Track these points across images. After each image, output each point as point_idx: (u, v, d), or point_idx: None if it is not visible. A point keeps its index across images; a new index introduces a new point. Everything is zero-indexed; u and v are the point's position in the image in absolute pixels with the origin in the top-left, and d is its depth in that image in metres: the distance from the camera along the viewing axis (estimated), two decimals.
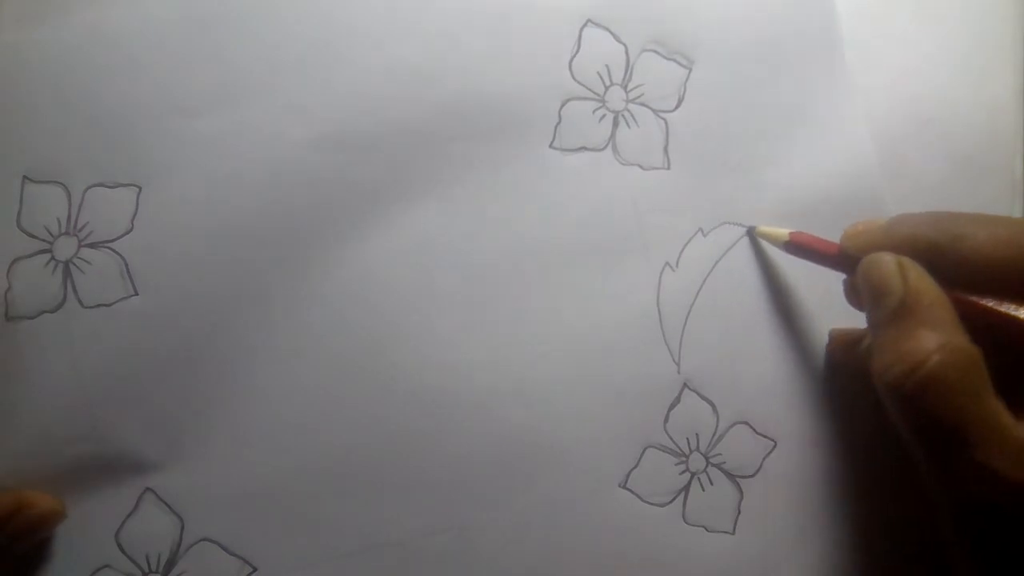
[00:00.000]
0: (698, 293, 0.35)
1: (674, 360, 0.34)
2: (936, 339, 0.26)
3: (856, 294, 0.32)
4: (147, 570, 0.32)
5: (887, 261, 0.28)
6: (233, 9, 0.34)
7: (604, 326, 0.34)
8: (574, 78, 0.35)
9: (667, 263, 0.35)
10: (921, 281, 0.28)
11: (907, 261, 0.28)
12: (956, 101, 0.38)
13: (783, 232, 0.34)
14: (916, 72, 0.38)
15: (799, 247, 0.33)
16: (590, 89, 0.35)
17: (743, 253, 0.35)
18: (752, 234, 0.35)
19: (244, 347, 0.33)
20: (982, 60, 0.38)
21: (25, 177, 0.33)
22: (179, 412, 0.32)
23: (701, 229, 0.35)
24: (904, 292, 0.27)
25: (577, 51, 0.35)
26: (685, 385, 0.34)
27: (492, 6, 0.35)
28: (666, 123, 0.35)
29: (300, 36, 0.34)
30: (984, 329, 0.27)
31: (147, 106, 0.33)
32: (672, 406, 0.34)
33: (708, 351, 0.35)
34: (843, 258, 0.32)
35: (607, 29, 0.35)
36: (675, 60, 0.36)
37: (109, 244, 0.33)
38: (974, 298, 0.28)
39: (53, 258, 0.33)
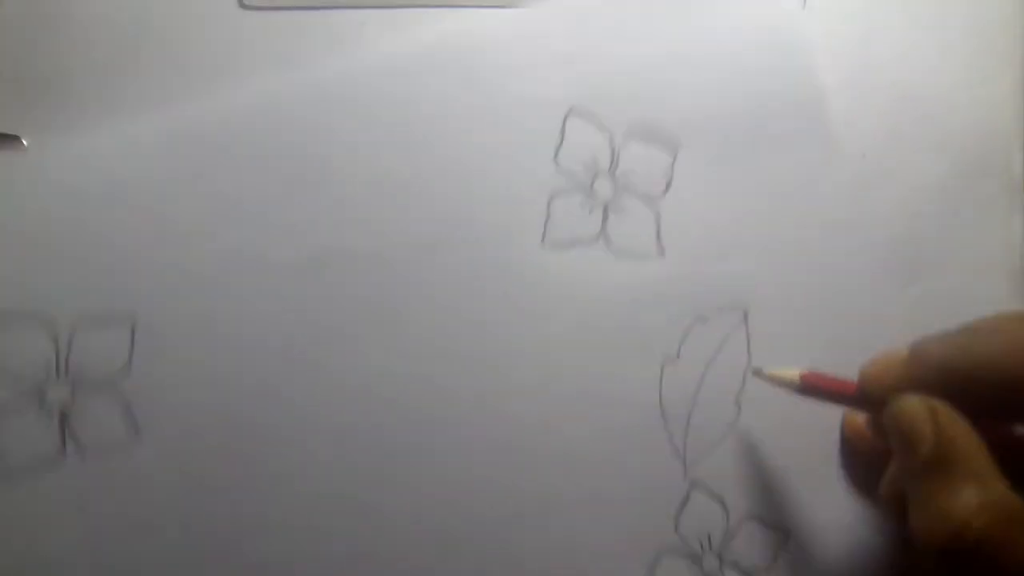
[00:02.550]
0: (700, 384, 0.34)
1: (680, 459, 0.33)
2: (976, 495, 0.25)
3: (880, 432, 0.31)
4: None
5: (916, 407, 0.27)
6: (215, 133, 0.32)
7: (606, 432, 0.33)
8: (560, 170, 0.34)
9: (667, 355, 0.34)
10: (953, 427, 0.27)
11: (937, 404, 0.27)
12: (956, 101, 0.38)
13: (793, 373, 0.32)
14: (916, 72, 0.37)
15: (813, 389, 0.32)
16: (577, 181, 0.34)
17: (744, 337, 0.35)
18: (759, 375, 0.33)
19: (249, 475, 0.31)
20: (981, 60, 0.38)
21: None
22: (188, 544, 0.31)
23: (700, 316, 0.34)
24: (936, 440, 0.26)
25: (561, 142, 0.34)
26: (693, 484, 0.33)
27: (470, 108, 0.33)
28: (657, 210, 0.34)
29: (283, 156, 0.32)
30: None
31: (134, 234, 0.31)
32: (682, 508, 0.33)
33: (714, 445, 0.34)
34: (862, 397, 0.31)
35: (590, 119, 0.34)
36: (661, 145, 0.35)
37: (107, 386, 0.31)
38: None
39: (45, 405, 0.30)
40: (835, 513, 0.34)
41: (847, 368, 0.32)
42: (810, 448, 0.34)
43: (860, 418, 0.33)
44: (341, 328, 0.32)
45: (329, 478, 0.31)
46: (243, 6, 0.34)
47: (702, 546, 0.33)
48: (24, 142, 0.32)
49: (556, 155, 0.34)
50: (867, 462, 0.33)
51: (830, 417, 0.34)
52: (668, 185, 0.34)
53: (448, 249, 0.33)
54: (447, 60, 0.33)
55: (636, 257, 0.34)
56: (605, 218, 0.34)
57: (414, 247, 0.33)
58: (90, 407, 0.31)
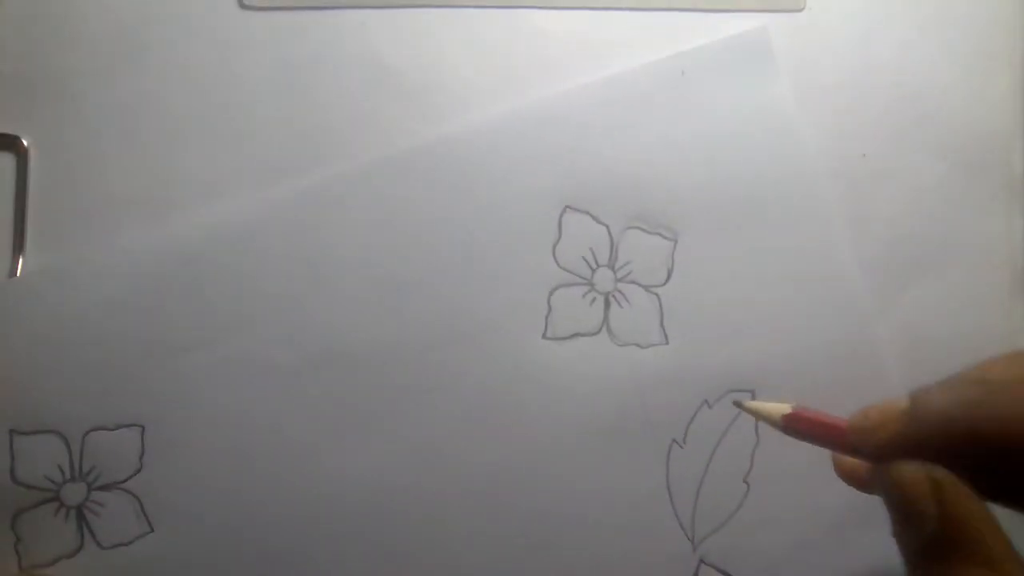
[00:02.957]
0: (708, 467, 0.35)
1: (688, 537, 0.34)
2: None
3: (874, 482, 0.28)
4: None
5: (916, 479, 0.24)
6: (208, 243, 0.34)
7: (614, 512, 0.34)
8: (559, 265, 0.34)
9: (674, 440, 0.35)
10: (961, 503, 0.23)
11: (942, 475, 0.24)
12: (956, 101, 0.37)
13: (778, 409, 0.29)
14: (916, 72, 0.37)
15: (797, 430, 0.30)
16: (577, 274, 0.35)
17: (751, 418, 0.35)
18: (740, 407, 0.32)
19: (256, 567, 0.33)
20: (981, 60, 0.38)
21: (12, 431, 0.33)
22: None
23: (706, 401, 0.35)
24: (940, 519, 0.23)
25: (559, 238, 0.34)
26: (702, 561, 0.34)
27: (465, 207, 0.34)
28: (659, 298, 0.35)
29: (278, 264, 0.34)
30: None
31: (136, 344, 0.33)
32: None
33: (721, 524, 0.35)
34: (852, 449, 0.29)
35: (587, 212, 0.34)
36: (659, 234, 0.35)
37: (121, 485, 0.33)
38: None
39: (63, 505, 0.33)
40: None
41: None
42: (820, 526, 0.35)
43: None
44: (342, 427, 0.34)
45: (340, 560, 0.33)
46: (243, 6, 0.34)
47: None
48: (24, 142, 0.33)
49: (554, 250, 0.34)
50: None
51: (841, 494, 0.34)
52: (669, 273, 0.35)
53: (448, 346, 0.34)
54: (444, 158, 0.34)
55: (640, 345, 0.35)
56: (607, 308, 0.35)
57: (413, 346, 0.34)
58: (105, 504, 0.33)
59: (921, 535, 0.24)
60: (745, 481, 0.35)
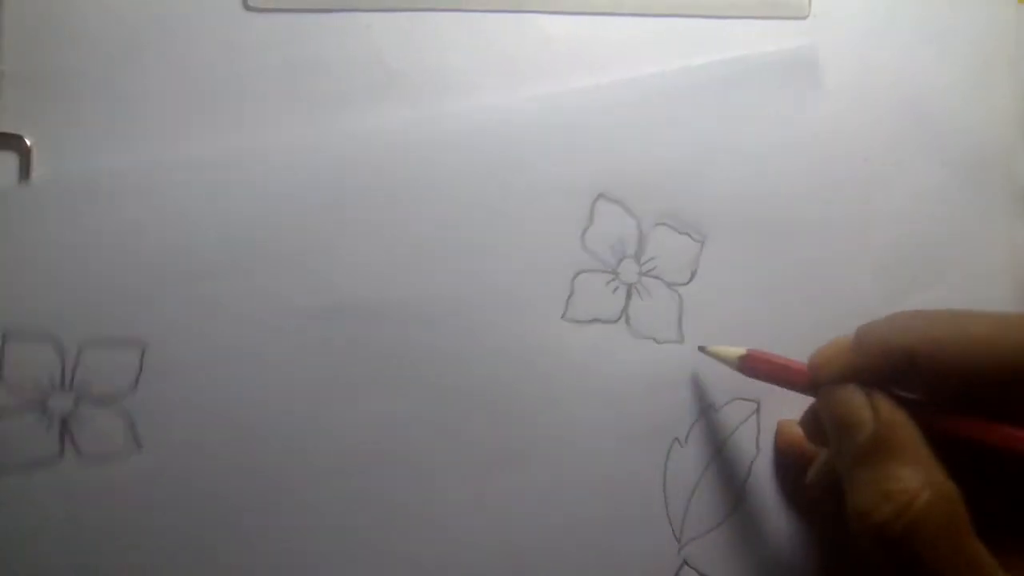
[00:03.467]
0: (705, 470, 0.35)
1: (676, 537, 0.35)
2: (918, 478, 0.25)
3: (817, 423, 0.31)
4: None
5: (853, 393, 0.28)
6: (237, 171, 0.34)
7: (605, 501, 0.34)
8: (586, 250, 0.35)
9: (676, 438, 0.35)
10: (892, 413, 0.27)
11: (876, 392, 0.27)
12: (958, 107, 0.38)
13: (736, 351, 0.33)
14: (917, 77, 0.38)
15: (755, 368, 0.32)
16: (603, 261, 0.35)
17: (753, 429, 0.35)
18: (704, 351, 0.34)
19: (247, 496, 0.33)
20: (983, 66, 0.38)
21: (5, 334, 0.32)
22: (180, 557, 0.33)
23: (712, 404, 0.35)
24: (876, 426, 0.27)
25: (590, 224, 0.35)
26: (685, 562, 0.35)
27: (502, 185, 0.35)
28: (680, 296, 0.35)
29: (314, 207, 0.34)
30: (965, 454, 0.26)
31: (150, 266, 0.33)
32: None
33: (710, 528, 0.35)
34: (807, 384, 0.30)
35: (619, 203, 0.35)
36: (688, 235, 0.35)
37: (113, 402, 0.33)
38: (959, 421, 0.27)
39: (46, 412, 0.32)
40: None
41: None
42: (808, 539, 0.35)
43: (795, 429, 0.34)
44: (352, 376, 0.34)
45: (328, 511, 0.33)
46: (247, 8, 0.34)
47: None
48: (28, 141, 0.33)
49: (583, 235, 0.35)
50: (798, 473, 0.34)
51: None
52: (693, 275, 0.35)
53: (468, 313, 0.35)
54: (486, 138, 0.35)
55: (656, 340, 0.35)
56: (628, 298, 0.35)
57: (433, 308, 0.34)
58: (92, 418, 0.32)
59: (857, 442, 0.27)
60: (740, 491, 0.35)
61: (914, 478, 0.25)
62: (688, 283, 0.35)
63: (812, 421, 0.33)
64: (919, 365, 0.27)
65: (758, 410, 0.35)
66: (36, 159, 0.33)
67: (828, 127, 0.37)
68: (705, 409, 0.35)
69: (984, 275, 0.38)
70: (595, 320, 0.35)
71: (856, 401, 0.27)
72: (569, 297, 0.35)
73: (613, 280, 0.35)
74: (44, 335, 0.32)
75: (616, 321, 0.35)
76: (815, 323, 0.35)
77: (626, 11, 0.36)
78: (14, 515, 0.31)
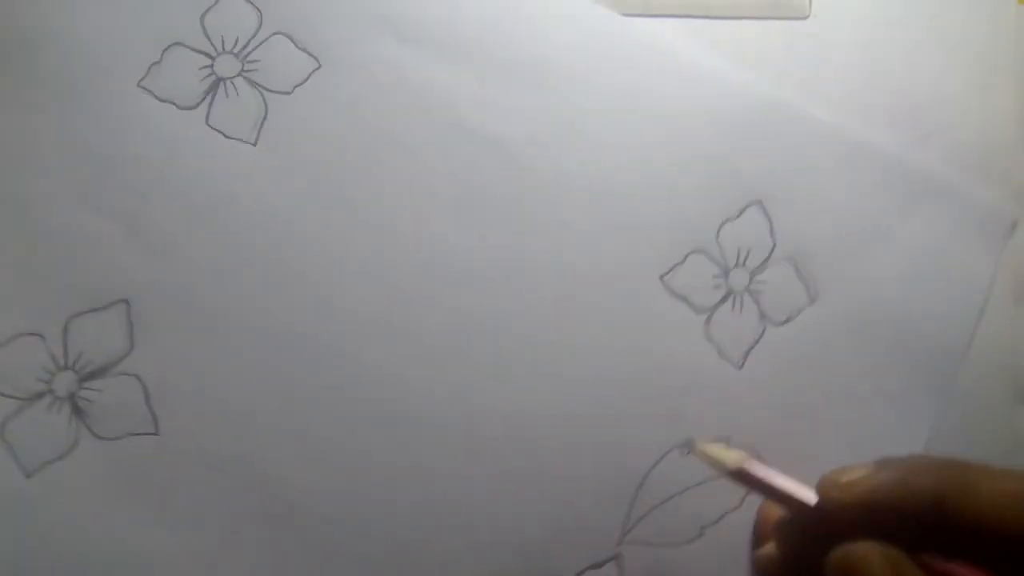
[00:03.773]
0: (684, 492, 0.34)
1: (622, 529, 0.33)
2: None
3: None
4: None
5: (872, 559, 0.25)
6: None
7: (577, 464, 0.34)
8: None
9: (678, 448, 0.34)
10: None
11: (896, 558, 0.25)
12: (958, 110, 0.38)
13: (731, 456, 0.29)
14: (919, 79, 0.38)
15: (749, 482, 0.29)
16: (715, 257, 0.35)
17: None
18: (690, 448, 0.32)
19: (263, 444, 0.33)
20: (984, 69, 0.38)
21: None
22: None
23: (730, 437, 0.34)
24: None
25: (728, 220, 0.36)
26: (614, 557, 0.33)
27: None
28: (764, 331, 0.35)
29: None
30: None
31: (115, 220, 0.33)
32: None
33: (655, 544, 0.33)
34: (817, 518, 0.27)
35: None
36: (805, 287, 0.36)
37: (114, 369, 0.32)
38: None
39: (56, 398, 0.32)
40: None
41: None
42: None
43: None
44: (339, 271, 0.34)
45: (340, 451, 0.33)
46: None
47: None
48: None
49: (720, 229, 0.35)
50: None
51: None
52: (789, 317, 0.35)
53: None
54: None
55: (731, 361, 0.35)
56: (723, 302, 0.35)
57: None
58: (103, 391, 0.32)
59: None
60: (701, 529, 0.34)
61: None
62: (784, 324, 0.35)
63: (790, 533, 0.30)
64: (946, 513, 0.25)
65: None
66: None
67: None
68: (726, 438, 0.34)
69: (984, 275, 0.37)
70: (684, 299, 0.35)
71: (873, 569, 0.25)
72: (677, 264, 0.35)
73: (721, 277, 0.35)
74: (23, 330, 0.32)
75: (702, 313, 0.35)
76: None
77: (628, 12, 0.37)
78: (43, 509, 0.31)
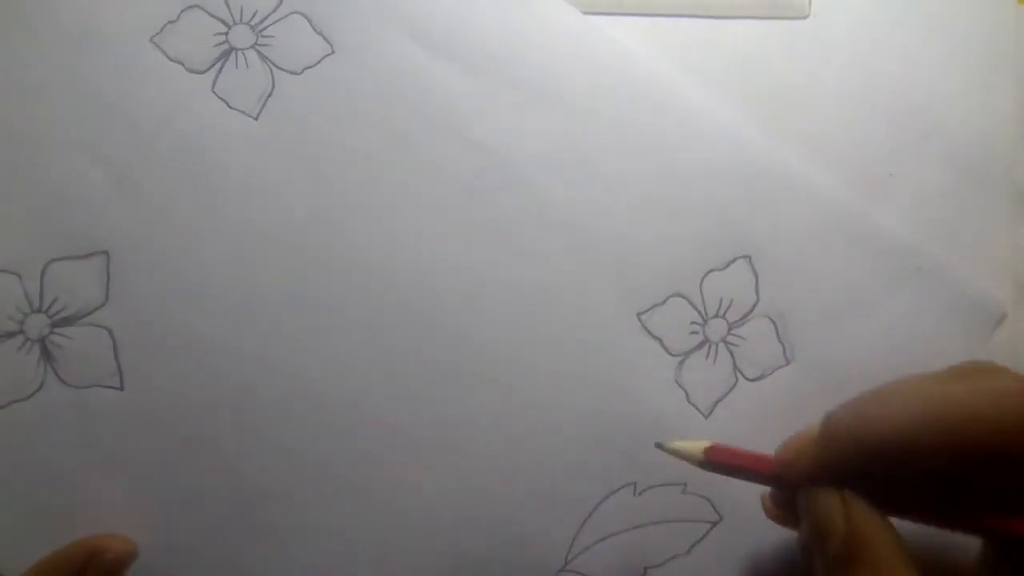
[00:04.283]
0: (637, 529, 0.34)
1: (565, 557, 0.33)
2: None
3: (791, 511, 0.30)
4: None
5: (828, 498, 0.26)
6: None
7: (537, 474, 0.34)
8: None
9: (652, 487, 0.34)
10: (865, 520, 0.25)
11: (850, 496, 0.26)
12: (959, 110, 0.38)
13: (697, 446, 0.30)
14: (919, 82, 0.38)
15: (720, 465, 0.30)
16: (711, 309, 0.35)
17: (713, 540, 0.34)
18: (661, 448, 0.32)
19: (229, 399, 0.33)
20: (984, 69, 0.38)
21: None
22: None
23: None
24: (846, 536, 0.25)
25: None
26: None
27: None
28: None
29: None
30: None
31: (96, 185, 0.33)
32: None
33: None
34: (777, 481, 0.29)
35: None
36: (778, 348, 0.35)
37: (86, 318, 0.33)
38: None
39: (27, 339, 0.32)
40: None
41: None
42: None
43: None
44: (330, 261, 0.34)
45: (313, 405, 0.33)
46: None
47: None
48: None
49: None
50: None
51: None
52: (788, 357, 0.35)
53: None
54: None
55: (700, 408, 0.35)
56: (719, 351, 0.35)
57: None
58: (72, 339, 0.33)
59: (828, 552, 0.26)
60: (645, 570, 0.34)
61: None
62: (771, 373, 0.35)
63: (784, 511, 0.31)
64: (889, 459, 0.26)
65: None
66: None
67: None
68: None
69: (987, 278, 0.37)
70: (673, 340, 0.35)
71: (829, 507, 0.26)
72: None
73: (704, 335, 0.35)
74: (4, 260, 0.32)
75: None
76: None
77: (626, 11, 0.37)
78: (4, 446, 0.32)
